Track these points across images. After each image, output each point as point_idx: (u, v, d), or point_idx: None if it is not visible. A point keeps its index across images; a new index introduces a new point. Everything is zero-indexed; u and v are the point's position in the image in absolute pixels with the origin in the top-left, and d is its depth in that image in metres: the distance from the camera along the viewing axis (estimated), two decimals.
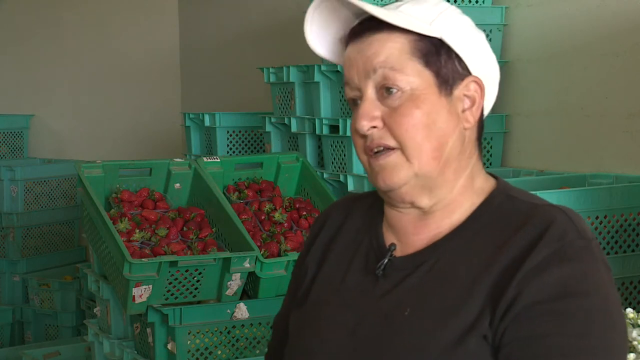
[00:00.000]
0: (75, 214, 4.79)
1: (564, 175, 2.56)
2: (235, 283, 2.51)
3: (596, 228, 2.14)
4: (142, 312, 2.46)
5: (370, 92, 1.21)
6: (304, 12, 1.27)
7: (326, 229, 1.38)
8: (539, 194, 1.83)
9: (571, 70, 2.71)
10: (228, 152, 3.61)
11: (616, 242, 2.17)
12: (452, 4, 2.82)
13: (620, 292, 2.20)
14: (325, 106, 2.96)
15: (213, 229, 2.73)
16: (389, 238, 1.28)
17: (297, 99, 3.11)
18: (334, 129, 2.91)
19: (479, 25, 3.09)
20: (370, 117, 1.20)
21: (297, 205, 2.89)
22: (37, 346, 4.07)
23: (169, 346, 2.43)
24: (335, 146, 2.91)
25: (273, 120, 3.28)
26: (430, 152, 1.20)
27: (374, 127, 1.20)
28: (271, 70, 3.25)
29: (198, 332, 2.44)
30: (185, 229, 2.71)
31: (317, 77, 2.95)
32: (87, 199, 2.71)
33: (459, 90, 1.22)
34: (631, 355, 1.62)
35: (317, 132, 2.97)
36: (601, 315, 1.11)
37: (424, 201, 1.23)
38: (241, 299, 2.56)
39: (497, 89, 1.30)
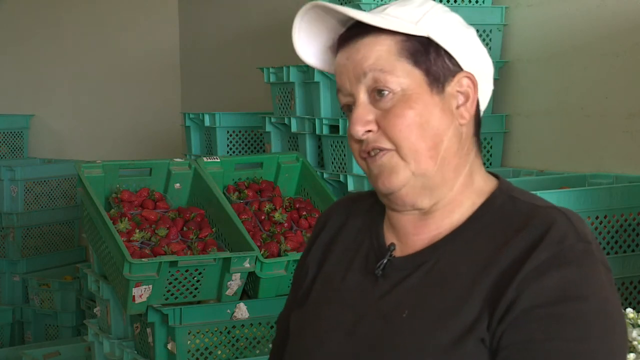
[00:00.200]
0: (75, 214, 4.80)
1: (564, 175, 2.56)
2: (235, 283, 2.51)
3: (596, 228, 2.14)
4: (142, 312, 2.46)
5: (362, 96, 1.21)
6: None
7: (327, 229, 1.38)
8: (539, 194, 1.83)
9: (571, 70, 2.71)
10: (228, 152, 3.61)
11: (616, 242, 2.17)
12: (453, 4, 2.85)
13: (620, 292, 2.20)
14: (325, 106, 2.96)
15: (213, 229, 2.73)
16: (389, 238, 1.28)
17: (297, 99, 3.11)
18: (334, 129, 2.92)
19: (478, 25, 3.10)
20: (364, 121, 1.20)
21: (297, 205, 2.89)
22: (37, 346, 4.07)
23: (169, 346, 2.43)
24: (335, 146, 2.91)
25: (273, 120, 3.28)
26: (425, 151, 1.19)
27: (369, 131, 1.21)
28: (271, 70, 3.25)
29: (198, 332, 2.44)
30: (185, 229, 2.71)
31: (317, 77, 2.95)
32: (87, 199, 2.71)
33: (451, 87, 1.22)
34: (631, 355, 1.62)
35: (317, 132, 2.97)
36: (600, 319, 1.11)
37: (425, 202, 1.23)
38: (241, 299, 2.56)
39: (492, 82, 1.29)
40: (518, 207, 1.21)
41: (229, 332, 2.48)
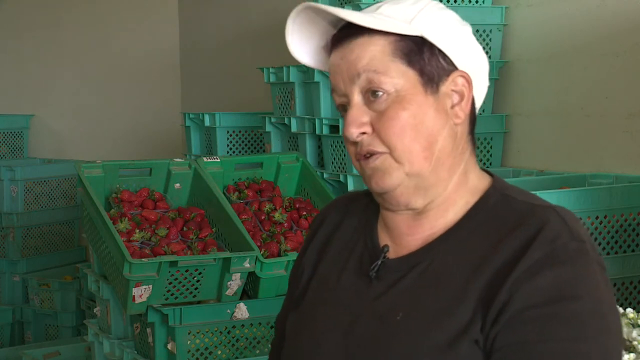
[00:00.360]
0: (75, 214, 4.80)
1: (564, 175, 2.56)
2: (235, 283, 2.51)
3: (596, 228, 2.14)
4: (142, 312, 2.46)
5: (356, 97, 1.21)
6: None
7: (323, 228, 1.37)
8: (539, 194, 1.83)
9: (571, 70, 2.71)
10: (228, 152, 3.61)
11: (616, 242, 2.17)
12: (453, 4, 2.85)
13: (620, 292, 2.20)
14: (325, 106, 2.96)
15: (213, 229, 2.73)
16: (384, 239, 1.28)
17: (297, 99, 3.11)
18: (334, 129, 2.91)
19: (479, 25, 3.09)
20: (358, 123, 1.20)
21: (297, 205, 2.89)
22: (37, 346, 4.07)
23: (169, 346, 2.43)
24: (335, 146, 2.91)
25: (273, 120, 3.28)
26: (420, 152, 1.19)
27: (364, 133, 1.20)
28: (271, 70, 3.25)
29: (198, 332, 2.44)
30: (185, 229, 2.72)
31: (317, 77, 2.95)
32: (87, 199, 2.71)
33: (446, 87, 1.21)
34: (631, 355, 1.61)
35: (317, 132, 2.97)
36: (594, 319, 1.10)
37: (419, 202, 1.22)
38: (241, 299, 2.56)
39: (487, 79, 1.28)
40: (512, 206, 1.20)
41: (229, 332, 2.48)
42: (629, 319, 1.72)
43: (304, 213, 2.86)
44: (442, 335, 1.13)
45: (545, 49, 2.81)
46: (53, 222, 4.77)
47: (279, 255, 2.63)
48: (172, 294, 2.47)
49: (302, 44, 1.26)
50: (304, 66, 3.04)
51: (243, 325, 2.50)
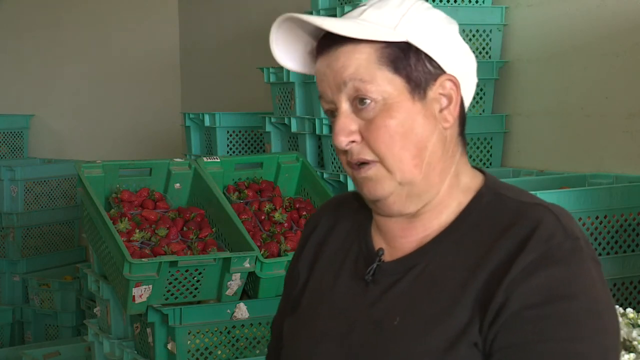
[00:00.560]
0: (75, 214, 4.80)
1: (564, 175, 2.56)
2: (235, 283, 2.51)
3: (596, 228, 2.14)
4: (142, 312, 2.46)
5: (344, 105, 1.20)
6: (304, 12, 1.26)
7: (316, 233, 1.36)
8: (539, 194, 1.83)
9: (571, 70, 2.71)
10: (228, 152, 3.61)
11: (616, 242, 2.17)
12: (453, 4, 2.85)
13: (620, 292, 2.20)
14: None
15: (213, 229, 2.73)
16: (378, 242, 1.27)
17: (297, 99, 3.11)
18: None
19: (479, 25, 3.09)
20: (347, 132, 1.19)
21: (297, 205, 2.89)
22: (37, 346, 4.07)
23: (169, 346, 2.43)
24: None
25: (273, 120, 3.28)
26: (410, 160, 1.18)
27: (353, 141, 1.19)
28: (271, 70, 3.25)
29: (198, 332, 2.44)
30: (185, 229, 2.71)
31: None
32: (87, 199, 2.71)
33: (434, 91, 1.20)
34: (631, 355, 1.61)
35: (317, 132, 2.97)
36: (591, 318, 1.10)
37: (411, 208, 1.22)
38: (241, 299, 2.56)
39: (476, 78, 1.26)
40: (505, 205, 1.20)
41: (229, 332, 2.48)
42: (629, 319, 1.72)
43: (304, 213, 2.85)
44: (440, 339, 1.13)
45: (545, 49, 2.81)
46: (53, 222, 4.77)
47: (279, 255, 2.63)
48: (172, 294, 2.47)
49: (288, 51, 1.25)
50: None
51: (243, 325, 2.50)
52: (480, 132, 2.89)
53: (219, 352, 2.46)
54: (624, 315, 1.73)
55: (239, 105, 4.33)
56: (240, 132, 3.66)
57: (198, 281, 2.48)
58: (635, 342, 1.65)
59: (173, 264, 2.41)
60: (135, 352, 2.63)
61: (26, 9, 5.13)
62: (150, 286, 2.41)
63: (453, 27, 1.24)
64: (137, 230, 2.63)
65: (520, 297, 1.10)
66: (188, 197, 2.88)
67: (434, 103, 1.20)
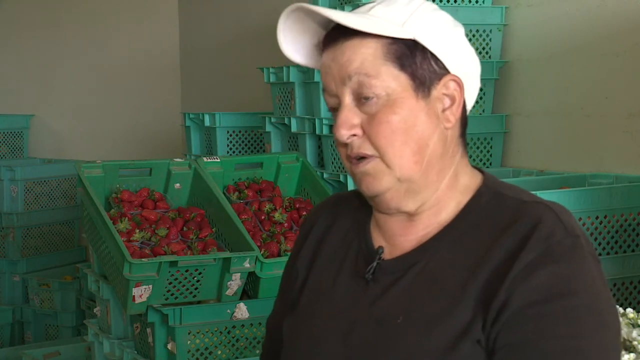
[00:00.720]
0: (75, 214, 4.80)
1: (564, 175, 2.56)
2: (235, 283, 2.51)
3: (596, 228, 2.14)
4: (142, 312, 2.46)
5: (347, 99, 1.20)
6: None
7: (315, 231, 1.36)
8: (539, 194, 1.83)
9: (571, 70, 2.71)
10: (228, 152, 3.61)
11: (616, 242, 2.17)
12: (453, 4, 2.85)
13: (620, 292, 2.20)
14: (325, 106, 2.94)
15: (213, 229, 2.73)
16: (378, 240, 1.27)
17: (297, 99, 3.11)
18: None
19: (479, 25, 3.09)
20: (349, 125, 1.20)
21: (297, 205, 2.89)
22: (37, 346, 4.07)
23: (169, 346, 2.43)
24: (335, 146, 2.91)
25: (273, 120, 3.28)
26: (410, 156, 1.19)
27: (354, 135, 1.20)
28: (271, 70, 3.25)
29: (198, 332, 2.44)
30: (185, 229, 2.72)
31: (317, 77, 2.95)
32: (87, 199, 2.71)
33: (437, 90, 1.20)
34: (631, 355, 1.61)
35: (317, 132, 2.97)
36: (592, 315, 1.11)
37: (409, 205, 1.22)
38: (241, 299, 2.56)
39: (479, 82, 1.27)
40: (504, 203, 1.20)
41: (229, 332, 2.48)
42: (629, 319, 1.72)
43: (304, 213, 2.85)
44: (443, 337, 1.13)
45: (545, 49, 2.81)
46: (53, 222, 4.77)
47: (279, 255, 2.63)
48: (172, 294, 2.47)
49: (294, 43, 1.25)
50: (304, 66, 3.06)
51: (243, 325, 2.50)
52: (480, 132, 2.89)
53: (219, 352, 2.46)
54: (624, 315, 1.73)
55: (239, 105, 4.33)
56: (240, 132, 3.66)
57: (198, 281, 2.48)
58: (635, 342, 1.65)
59: (173, 264, 2.41)
60: (135, 352, 2.63)
61: (26, 9, 5.13)
62: (150, 286, 2.41)
63: (459, 29, 1.25)
64: (137, 230, 2.63)
65: (522, 295, 1.10)
66: (188, 197, 2.88)
67: (437, 102, 1.20)
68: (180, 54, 5.41)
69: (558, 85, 2.76)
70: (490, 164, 2.92)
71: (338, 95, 1.21)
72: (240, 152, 3.65)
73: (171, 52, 5.40)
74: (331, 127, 2.93)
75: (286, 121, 3.18)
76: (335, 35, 1.21)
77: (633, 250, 2.19)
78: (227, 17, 4.84)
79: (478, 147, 2.91)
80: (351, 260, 1.28)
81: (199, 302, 2.52)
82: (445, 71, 1.21)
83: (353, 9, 1.25)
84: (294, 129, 3.12)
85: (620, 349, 1.15)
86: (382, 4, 1.22)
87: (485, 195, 1.22)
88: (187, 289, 2.48)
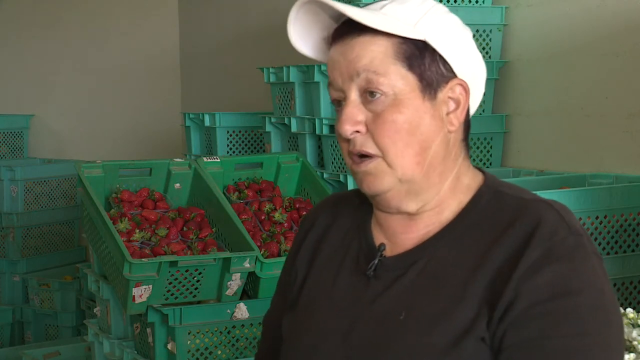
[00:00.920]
0: (75, 214, 4.80)
1: (564, 175, 2.56)
2: (235, 283, 2.51)
3: (596, 228, 2.14)
4: (142, 312, 2.46)
5: (353, 95, 1.20)
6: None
7: (314, 230, 1.36)
8: (539, 194, 1.83)
9: (571, 70, 2.71)
10: (228, 152, 3.61)
11: (616, 242, 2.17)
12: (453, 4, 2.85)
13: (620, 292, 2.20)
14: (325, 106, 2.96)
15: (213, 229, 2.73)
16: (379, 238, 1.27)
17: (297, 99, 3.11)
18: (334, 129, 2.90)
19: (479, 25, 3.08)
20: (353, 121, 1.19)
21: (297, 205, 2.89)
22: (37, 346, 4.07)
23: (169, 346, 2.43)
24: (335, 146, 2.91)
25: (273, 120, 3.28)
26: (412, 157, 1.19)
27: (357, 131, 1.20)
28: (271, 70, 3.25)
29: (198, 332, 2.44)
30: (185, 229, 2.72)
31: (317, 77, 2.95)
32: (87, 199, 2.71)
33: (444, 93, 1.21)
34: (631, 355, 1.61)
35: (317, 132, 2.97)
36: (597, 313, 1.11)
37: (410, 206, 1.23)
38: (241, 299, 2.56)
39: (484, 87, 1.28)
40: (505, 202, 1.21)
41: (229, 332, 2.48)
42: (629, 319, 1.72)
43: (304, 213, 2.85)
44: (445, 334, 1.14)
45: (545, 49, 2.81)
46: (53, 222, 4.77)
47: (279, 255, 2.63)
48: (172, 294, 2.47)
49: (303, 34, 1.25)
50: (304, 66, 3.06)
51: (243, 325, 2.50)
52: (480, 132, 2.90)
53: (219, 352, 2.46)
54: (624, 315, 1.73)
55: (239, 105, 4.33)
56: (240, 132, 3.66)
57: (198, 281, 2.48)
58: (635, 342, 1.65)
59: (173, 264, 2.41)
60: (135, 352, 2.63)
61: (26, 9, 5.13)
62: (150, 286, 2.41)
63: (468, 33, 1.25)
64: (137, 230, 2.63)
65: (528, 294, 1.11)
66: (188, 197, 2.88)
67: (442, 105, 1.21)
68: (180, 54, 5.41)
69: (558, 85, 2.76)
70: (490, 164, 2.92)
71: (344, 91, 1.21)
72: (240, 152, 3.65)
73: (171, 52, 5.40)
74: (331, 128, 2.93)
75: (286, 121, 3.18)
76: (346, 30, 1.21)
77: (633, 250, 2.20)
78: (227, 17, 4.84)
79: (478, 147, 2.91)
80: (352, 259, 1.28)
81: (199, 302, 2.52)
82: (453, 75, 1.21)
83: (372, 3, 1.25)
84: (294, 129, 3.12)
85: (623, 345, 1.15)
86: (395, 2, 1.22)
87: (486, 195, 1.23)
88: (187, 289, 2.48)
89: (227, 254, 2.50)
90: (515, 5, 2.91)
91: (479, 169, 1.29)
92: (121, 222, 2.63)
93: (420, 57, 1.19)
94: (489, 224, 1.19)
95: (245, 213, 2.77)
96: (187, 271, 2.45)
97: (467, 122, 1.26)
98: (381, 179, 1.20)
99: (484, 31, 2.90)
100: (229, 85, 4.81)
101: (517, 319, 1.11)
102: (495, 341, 1.12)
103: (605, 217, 2.14)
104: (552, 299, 1.10)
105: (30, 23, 5.13)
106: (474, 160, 2.88)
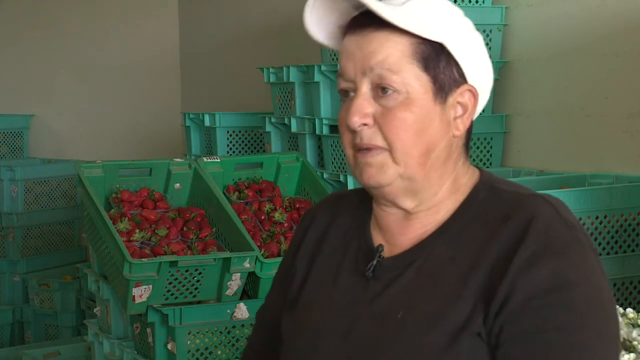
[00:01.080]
0: (75, 214, 4.80)
1: (564, 175, 2.56)
2: (235, 283, 2.51)
3: (596, 228, 2.14)
4: (142, 312, 2.46)
5: (365, 88, 1.20)
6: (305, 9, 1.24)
7: (314, 229, 1.37)
8: None
9: (571, 70, 2.71)
10: (228, 152, 3.61)
11: (616, 242, 2.17)
12: (453, 4, 2.85)
13: (620, 292, 2.20)
14: (325, 106, 2.96)
15: (213, 229, 2.73)
16: (377, 239, 1.28)
17: (297, 99, 3.11)
18: (334, 129, 2.91)
19: (479, 25, 3.10)
20: (362, 113, 1.19)
21: (297, 205, 2.89)
22: (37, 346, 4.07)
23: (169, 346, 2.43)
24: (335, 146, 2.91)
25: (273, 120, 3.28)
26: (417, 157, 1.19)
27: (365, 124, 1.19)
28: (271, 70, 3.25)
29: (198, 332, 2.44)
30: (185, 229, 2.72)
31: (317, 77, 2.95)
32: (87, 199, 2.71)
33: (453, 98, 1.21)
34: (631, 355, 1.61)
35: (317, 132, 2.97)
36: (593, 307, 1.11)
37: (407, 203, 1.23)
38: (241, 299, 2.56)
39: (488, 94, 1.28)
40: (500, 197, 1.21)
41: (229, 332, 2.48)
42: (629, 319, 1.72)
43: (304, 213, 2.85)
44: (443, 331, 1.14)
45: (545, 49, 2.81)
46: (53, 222, 4.77)
47: (279, 255, 2.63)
48: (172, 294, 2.47)
49: (320, 20, 1.24)
50: (304, 66, 3.06)
51: (243, 325, 2.50)
52: (480, 132, 2.90)
53: (219, 352, 2.46)
54: (624, 315, 1.73)
55: (239, 105, 4.33)
56: (240, 132, 3.66)
57: (198, 281, 2.48)
58: (635, 342, 1.65)
59: (173, 264, 2.41)
60: (135, 352, 2.63)
61: (26, 9, 5.13)
62: (150, 286, 2.41)
63: (480, 39, 1.26)
64: (137, 230, 2.63)
65: (524, 288, 1.11)
66: (188, 197, 2.88)
67: (450, 109, 1.22)
68: (180, 54, 5.41)
69: (558, 85, 2.76)
70: (490, 164, 2.92)
71: (355, 82, 1.21)
72: (240, 152, 3.65)
73: (171, 52, 5.39)
74: (331, 127, 2.93)
75: (286, 121, 3.18)
76: (364, 21, 1.20)
77: (633, 250, 2.20)
78: (227, 17, 4.84)
79: (478, 147, 2.91)
80: (351, 259, 1.29)
81: (199, 302, 2.52)
82: (463, 80, 1.22)
83: None
84: (294, 129, 3.12)
85: (619, 338, 1.16)
86: (416, 0, 1.21)
87: (482, 191, 1.24)
88: (187, 289, 2.48)
89: (227, 254, 2.50)
90: (515, 5, 2.91)
91: (476, 167, 1.29)
92: (121, 222, 2.63)
93: (436, 59, 1.19)
94: (485, 219, 1.19)
95: (245, 213, 2.77)
96: (187, 271, 2.45)
97: (469, 128, 1.27)
98: (384, 172, 1.20)
99: (484, 31, 2.90)
100: (229, 85, 4.81)
101: (513, 313, 1.11)
102: (492, 336, 1.13)
103: (605, 217, 2.14)
104: (549, 292, 1.10)
105: (30, 23, 5.12)
106: (473, 160, 2.88)
